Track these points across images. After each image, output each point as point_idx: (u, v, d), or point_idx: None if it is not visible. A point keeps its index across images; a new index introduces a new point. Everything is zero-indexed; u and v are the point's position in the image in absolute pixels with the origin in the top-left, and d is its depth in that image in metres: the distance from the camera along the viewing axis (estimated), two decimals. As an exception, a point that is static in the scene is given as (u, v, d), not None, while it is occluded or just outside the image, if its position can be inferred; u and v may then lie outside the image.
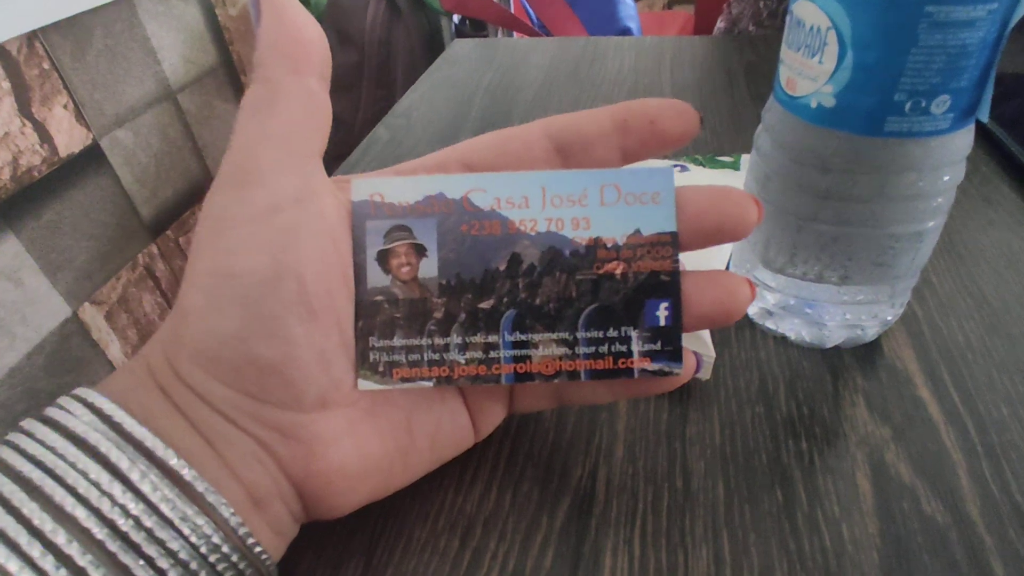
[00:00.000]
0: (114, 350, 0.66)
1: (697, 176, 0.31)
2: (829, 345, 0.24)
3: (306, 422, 0.16)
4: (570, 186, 0.17)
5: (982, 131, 0.37)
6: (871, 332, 0.23)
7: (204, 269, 0.15)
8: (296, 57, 0.16)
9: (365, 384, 0.16)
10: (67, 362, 0.61)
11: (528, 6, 1.01)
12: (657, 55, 0.54)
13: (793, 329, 0.24)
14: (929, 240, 0.21)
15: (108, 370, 0.66)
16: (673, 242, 0.16)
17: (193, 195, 0.79)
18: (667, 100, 0.17)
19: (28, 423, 0.14)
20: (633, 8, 1.10)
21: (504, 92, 0.49)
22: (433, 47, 0.94)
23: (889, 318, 0.23)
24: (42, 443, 0.14)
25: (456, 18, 0.95)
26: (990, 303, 0.26)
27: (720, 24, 0.86)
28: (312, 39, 0.16)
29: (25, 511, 0.13)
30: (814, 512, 0.19)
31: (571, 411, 0.22)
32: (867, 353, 0.24)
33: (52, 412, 0.15)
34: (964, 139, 0.20)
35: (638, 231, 0.17)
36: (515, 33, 0.97)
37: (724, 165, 0.33)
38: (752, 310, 0.25)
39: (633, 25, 1.06)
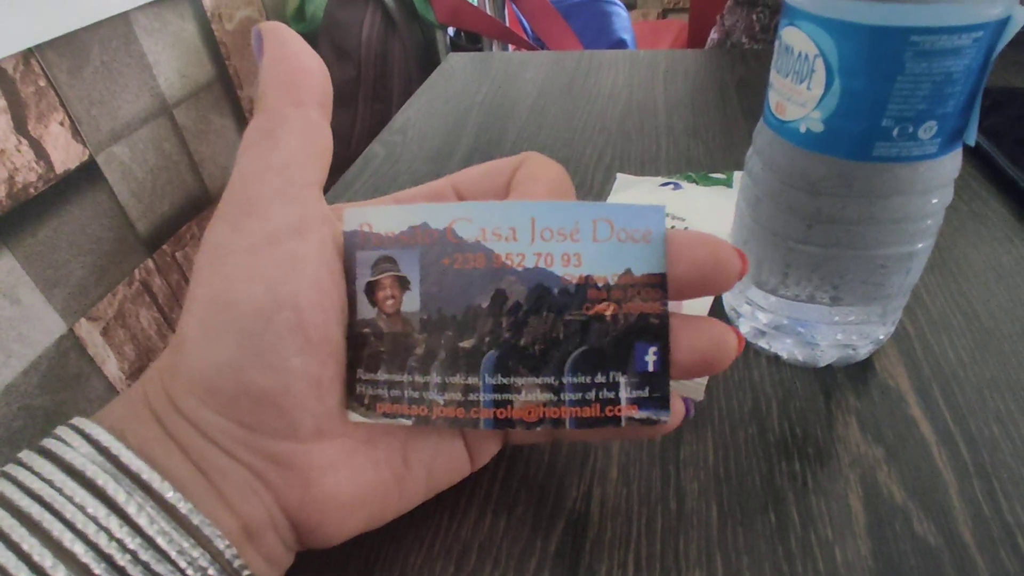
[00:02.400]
0: (110, 366, 0.66)
1: (691, 194, 0.32)
2: (822, 364, 0.24)
3: (301, 452, 0.16)
4: (562, 219, 0.16)
5: (971, 146, 0.38)
6: (863, 351, 0.24)
7: (202, 298, 0.15)
8: (297, 88, 0.16)
9: (354, 416, 0.16)
10: (63, 379, 0.60)
11: (523, 19, 1.02)
12: (651, 69, 0.55)
13: (786, 349, 0.24)
14: (919, 261, 0.22)
15: (104, 386, 0.66)
16: (662, 283, 0.16)
17: (190, 209, 0.79)
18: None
19: (26, 455, 0.15)
20: (627, 20, 1.11)
21: (499, 106, 0.49)
22: (429, 60, 0.95)
23: (881, 337, 0.24)
24: (40, 476, 0.14)
25: (451, 31, 0.96)
26: (981, 320, 0.26)
27: (713, 35, 0.87)
28: (313, 70, 0.17)
29: (25, 547, 0.13)
30: (807, 534, 0.19)
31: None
32: (860, 372, 0.24)
33: (50, 444, 0.15)
34: (952, 163, 0.20)
35: (629, 271, 0.16)
36: (510, 46, 0.98)
37: (717, 182, 0.33)
38: (745, 329, 0.25)
39: (627, 37, 1.06)
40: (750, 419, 0.22)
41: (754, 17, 0.77)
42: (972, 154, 0.37)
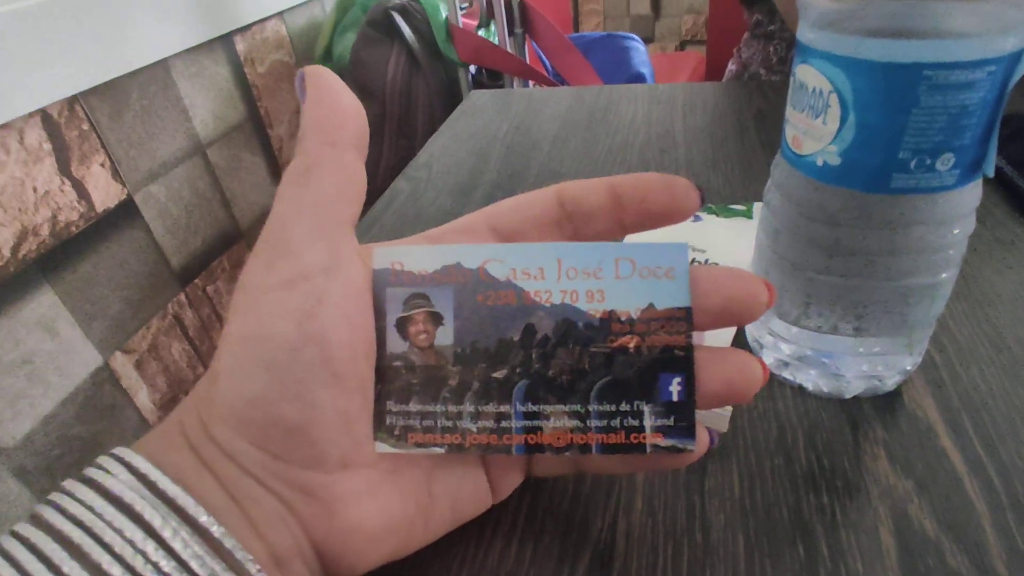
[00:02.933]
0: (143, 397, 0.68)
1: (711, 225, 0.32)
2: (848, 396, 0.24)
3: (328, 482, 0.16)
4: (585, 259, 0.17)
5: (990, 176, 0.38)
6: (890, 382, 0.23)
7: (235, 333, 0.16)
8: (334, 131, 0.17)
9: (382, 447, 0.17)
10: (98, 409, 0.62)
11: (543, 55, 1.04)
12: (669, 102, 0.55)
13: (810, 380, 0.24)
14: (943, 291, 0.22)
15: (137, 417, 0.67)
16: (687, 317, 0.16)
17: (221, 244, 0.82)
18: (662, 177, 0.18)
19: (70, 484, 0.15)
20: (645, 54, 1.13)
21: (521, 142, 0.50)
22: (451, 97, 0.97)
23: (908, 367, 0.23)
24: (82, 503, 0.15)
25: (473, 69, 0.98)
26: (1010, 348, 0.26)
27: (731, 67, 0.88)
28: (350, 114, 0.18)
29: (66, 569, 0.13)
30: (837, 568, 0.19)
31: (590, 464, 0.22)
32: (887, 403, 0.24)
33: (92, 472, 0.15)
34: (972, 193, 0.20)
35: (652, 305, 0.16)
36: (530, 82, 1.00)
37: (737, 214, 0.33)
38: (768, 360, 0.25)
39: (646, 71, 1.08)
40: (776, 450, 0.22)
41: (771, 49, 0.78)
42: (997, 181, 0.37)
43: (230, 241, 0.83)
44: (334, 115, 0.17)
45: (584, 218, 0.19)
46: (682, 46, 2.06)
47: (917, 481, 0.21)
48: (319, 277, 0.16)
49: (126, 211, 0.66)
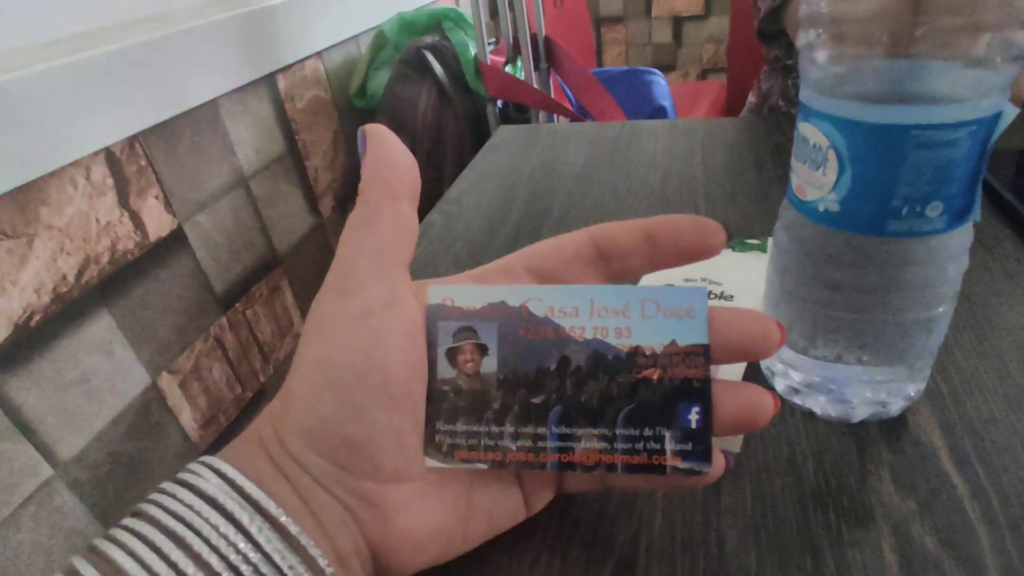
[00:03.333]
0: (185, 416, 0.71)
1: (727, 259, 0.34)
2: (855, 420, 0.25)
3: (383, 491, 0.18)
4: (615, 300, 0.19)
5: (1003, 206, 0.39)
6: (895, 408, 0.25)
7: (308, 359, 0.19)
8: (391, 184, 0.20)
9: (431, 462, 0.19)
10: (146, 427, 0.66)
11: (567, 90, 1.08)
12: (689, 137, 0.58)
13: (819, 405, 0.26)
14: (941, 324, 0.23)
15: (180, 435, 0.71)
16: (705, 353, 0.18)
17: (260, 270, 0.86)
18: (692, 218, 0.20)
19: (169, 485, 0.18)
20: (666, 88, 1.16)
21: (547, 177, 0.53)
22: (479, 130, 1.01)
23: (911, 394, 0.25)
24: (182, 502, 0.17)
25: (500, 103, 1.02)
26: (1013, 377, 0.27)
27: (751, 99, 0.90)
28: (406, 168, 0.20)
29: (174, 558, 0.16)
30: (842, 580, 0.20)
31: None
32: (893, 427, 0.25)
33: (186, 476, 0.18)
34: (963, 235, 0.22)
35: (674, 342, 0.19)
36: (555, 115, 1.04)
37: (753, 247, 0.35)
38: (779, 387, 0.27)
39: (667, 104, 1.11)
40: (786, 471, 0.24)
41: (789, 82, 0.80)
42: (1004, 214, 0.39)
43: (268, 267, 0.88)
44: (391, 169, 0.20)
45: (618, 256, 0.21)
46: (703, 75, 2.09)
47: (920, 502, 0.22)
48: (380, 313, 0.19)
49: (176, 240, 0.70)
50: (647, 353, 0.19)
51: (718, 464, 0.19)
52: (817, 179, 0.22)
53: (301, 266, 0.95)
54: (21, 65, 0.53)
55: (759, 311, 0.19)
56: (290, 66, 0.91)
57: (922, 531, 0.21)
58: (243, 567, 0.16)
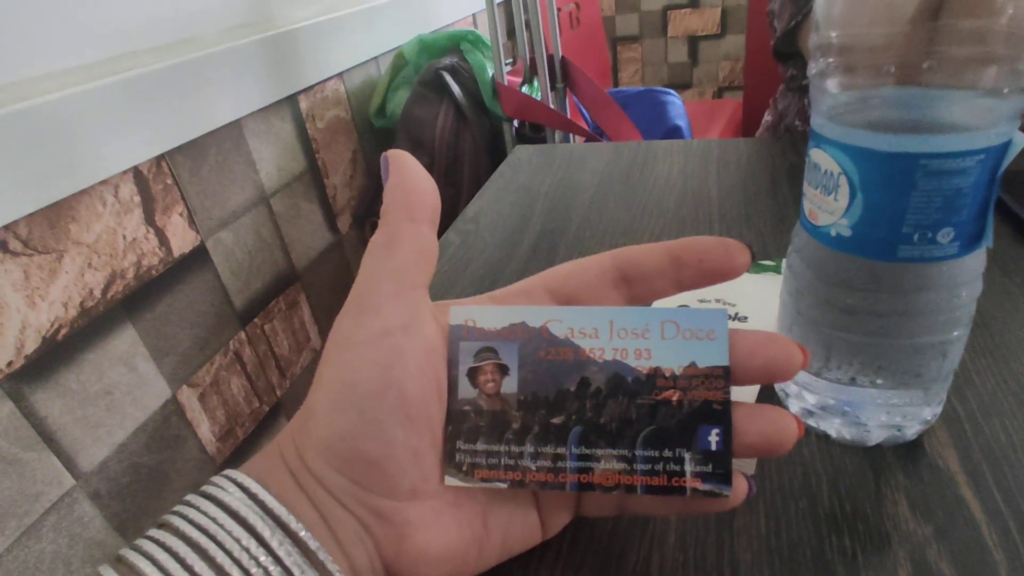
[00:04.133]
0: (204, 429, 0.72)
1: (741, 281, 0.34)
2: (870, 444, 0.25)
3: (399, 509, 0.19)
4: (634, 321, 0.19)
5: (1021, 228, 0.39)
6: (910, 431, 0.25)
7: (329, 378, 0.19)
8: (413, 207, 0.21)
9: (451, 480, 0.19)
10: (165, 439, 0.67)
11: (583, 109, 1.09)
12: (704, 157, 0.58)
13: (834, 428, 0.26)
14: (955, 348, 0.23)
15: (198, 448, 0.72)
16: (725, 375, 0.19)
17: (279, 285, 0.87)
18: (717, 240, 0.20)
19: (193, 498, 0.19)
20: (681, 108, 1.17)
21: (563, 197, 0.54)
22: (496, 149, 1.03)
23: (928, 418, 0.25)
24: (206, 514, 0.18)
25: (516, 122, 1.04)
26: (1032, 404, 0.27)
27: (767, 117, 0.90)
28: (427, 193, 0.21)
29: (197, 569, 0.16)
30: (856, 605, 0.20)
31: (627, 501, 0.25)
32: (909, 451, 0.25)
33: (210, 489, 0.19)
34: (975, 260, 0.22)
35: (694, 363, 0.19)
36: (571, 135, 1.05)
37: (767, 269, 0.35)
38: (794, 408, 0.27)
39: (682, 123, 1.12)
40: (800, 494, 0.24)
41: (806, 101, 0.81)
42: (1022, 237, 0.38)
43: (287, 283, 0.89)
44: (413, 194, 0.21)
45: (642, 279, 0.21)
46: (719, 93, 2.10)
47: (936, 527, 0.22)
48: (400, 333, 0.19)
49: (198, 256, 0.72)
50: (667, 375, 0.19)
51: (740, 488, 0.19)
52: (829, 204, 0.22)
53: (319, 282, 0.97)
54: (56, 88, 0.55)
55: (779, 334, 0.19)
56: (312, 87, 0.93)
57: (938, 557, 0.21)
58: None
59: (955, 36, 0.18)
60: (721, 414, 0.18)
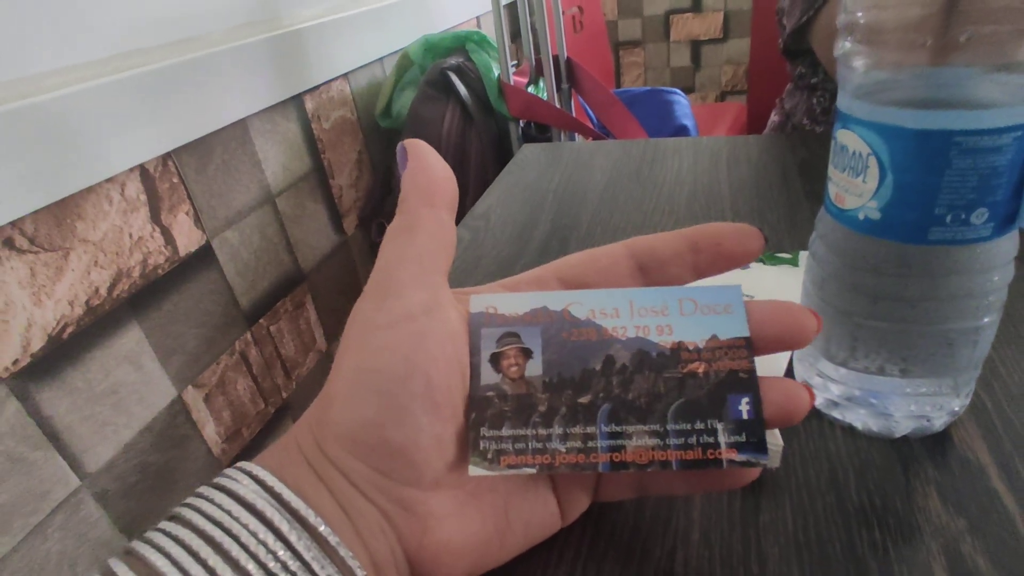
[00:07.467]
0: (209, 430, 0.72)
1: (758, 273, 0.34)
2: (897, 435, 0.25)
3: (422, 499, 0.18)
4: (653, 300, 0.20)
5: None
6: (939, 422, 0.24)
7: (349, 364, 0.19)
8: (431, 194, 0.20)
9: (475, 470, 0.19)
10: (171, 439, 0.66)
11: (589, 109, 1.09)
12: (713, 154, 0.58)
13: (860, 419, 0.25)
14: (986, 335, 0.23)
15: (203, 448, 0.71)
16: (748, 345, 0.19)
17: (285, 286, 0.87)
18: (733, 225, 0.20)
19: (206, 490, 0.18)
20: (687, 107, 1.17)
21: (572, 194, 0.53)
22: (502, 149, 1.02)
23: (956, 408, 0.24)
24: (219, 507, 0.17)
25: (522, 122, 1.03)
26: (1063, 395, 0.26)
27: (774, 118, 0.90)
28: (444, 179, 0.21)
29: (211, 563, 0.16)
30: (891, 600, 0.19)
31: (649, 497, 0.24)
32: (937, 443, 0.25)
33: (223, 481, 0.18)
34: (1009, 243, 0.22)
35: (715, 336, 0.19)
36: (576, 135, 1.05)
37: (783, 261, 0.35)
38: (818, 400, 0.26)
39: (689, 123, 1.11)
40: (828, 488, 0.23)
41: (814, 101, 0.80)
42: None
43: (293, 283, 0.89)
44: (431, 181, 0.20)
45: (658, 266, 0.21)
46: (722, 96, 2.10)
47: (970, 521, 0.22)
48: (422, 317, 0.19)
49: (204, 255, 0.71)
50: (690, 348, 0.19)
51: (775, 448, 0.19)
52: (857, 186, 0.22)
53: (325, 283, 0.96)
54: (62, 84, 0.55)
55: (792, 302, 0.19)
56: (317, 87, 0.93)
57: (973, 551, 0.21)
58: (282, 575, 0.16)
59: (984, 13, 0.18)
60: (748, 382, 0.18)
